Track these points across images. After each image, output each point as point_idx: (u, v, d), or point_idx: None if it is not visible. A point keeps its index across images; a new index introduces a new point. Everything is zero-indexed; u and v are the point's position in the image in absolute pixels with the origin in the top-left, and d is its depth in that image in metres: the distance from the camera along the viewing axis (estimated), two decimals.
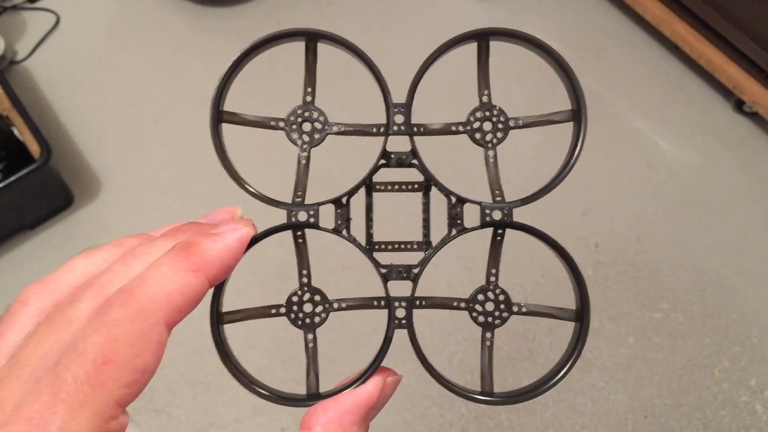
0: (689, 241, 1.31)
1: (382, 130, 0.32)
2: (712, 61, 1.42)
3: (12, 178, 1.21)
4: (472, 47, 0.34)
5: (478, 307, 0.32)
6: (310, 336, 0.32)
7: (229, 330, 0.32)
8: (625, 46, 1.58)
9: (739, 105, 1.44)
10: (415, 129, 0.32)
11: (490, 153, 0.33)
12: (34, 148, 1.26)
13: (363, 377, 0.30)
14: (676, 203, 1.36)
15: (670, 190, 1.37)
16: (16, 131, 1.31)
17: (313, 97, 0.33)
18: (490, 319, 0.32)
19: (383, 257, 0.33)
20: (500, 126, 0.33)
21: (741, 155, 1.42)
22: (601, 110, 1.47)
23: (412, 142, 0.33)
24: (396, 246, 0.34)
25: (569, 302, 0.33)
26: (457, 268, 1.26)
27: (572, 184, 1.38)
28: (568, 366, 0.31)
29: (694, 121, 1.46)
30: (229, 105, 0.33)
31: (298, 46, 0.33)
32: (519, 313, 0.32)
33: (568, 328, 0.32)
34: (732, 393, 1.16)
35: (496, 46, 0.34)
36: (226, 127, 0.33)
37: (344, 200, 0.33)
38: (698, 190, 1.37)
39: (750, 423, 1.13)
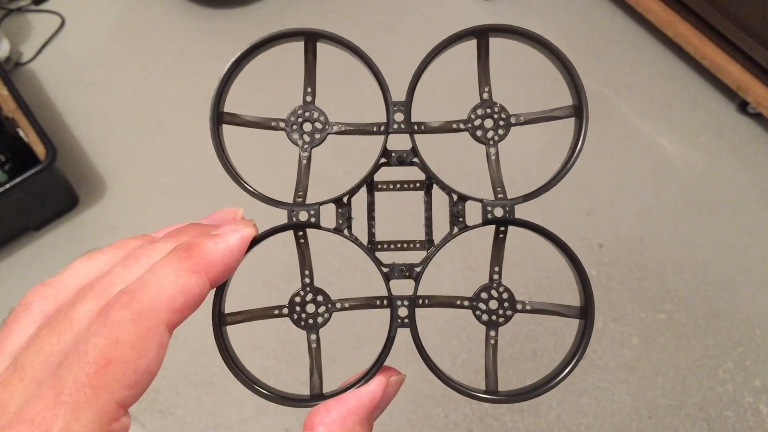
0: (693, 242, 1.31)
1: (382, 128, 0.32)
2: (715, 62, 1.42)
3: (17, 180, 1.21)
4: (472, 46, 0.34)
5: (482, 306, 0.32)
6: (313, 336, 0.32)
7: (233, 332, 0.32)
8: (629, 47, 1.58)
9: (742, 106, 1.44)
10: (416, 127, 0.32)
11: (492, 150, 0.33)
12: (39, 149, 1.27)
13: (366, 377, 0.30)
14: (680, 204, 1.35)
15: (674, 191, 1.37)
16: (21, 132, 1.31)
17: (314, 97, 0.33)
18: (494, 317, 0.32)
19: (385, 257, 0.33)
20: (501, 123, 0.33)
21: (745, 156, 1.41)
22: (605, 111, 1.47)
23: (413, 140, 0.33)
24: (398, 245, 0.34)
25: (574, 302, 0.33)
26: (460, 269, 1.26)
27: (576, 185, 1.38)
28: (572, 363, 0.31)
29: (698, 122, 1.46)
30: (230, 106, 0.33)
31: (298, 47, 0.34)
32: (523, 311, 0.32)
33: (572, 329, 0.32)
34: (736, 394, 1.15)
35: (496, 46, 0.34)
36: (227, 129, 0.33)
37: (345, 200, 0.33)
38: (702, 191, 1.37)
39: (754, 424, 1.13)
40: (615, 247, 1.30)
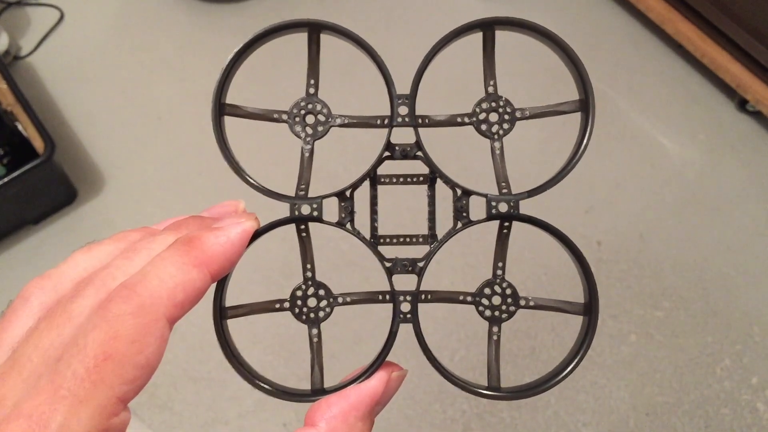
0: (692, 240, 1.31)
1: (386, 121, 0.32)
2: (715, 60, 1.42)
3: (16, 173, 1.21)
4: (476, 40, 0.33)
5: (485, 301, 0.32)
6: (315, 331, 0.31)
7: (233, 326, 0.31)
8: (629, 44, 1.57)
9: (742, 104, 1.44)
10: (420, 120, 0.32)
11: (497, 144, 0.32)
12: (37, 143, 1.26)
13: (368, 372, 0.30)
14: (679, 202, 1.35)
15: (673, 188, 1.37)
16: (20, 126, 1.31)
17: (317, 89, 0.33)
18: (496, 313, 0.32)
19: (388, 251, 0.32)
20: (506, 117, 0.32)
21: (744, 154, 1.41)
22: (605, 108, 1.47)
23: (417, 133, 0.32)
24: (401, 239, 0.33)
25: (573, 298, 0.33)
26: (461, 265, 1.26)
27: (576, 182, 1.38)
28: (576, 361, 0.31)
29: (697, 120, 1.46)
30: (232, 98, 0.32)
31: (301, 39, 0.33)
32: (526, 306, 0.32)
33: (571, 325, 0.32)
34: (733, 391, 1.15)
35: (501, 39, 0.34)
36: (229, 121, 0.32)
37: (348, 193, 0.32)
38: (701, 189, 1.37)
39: (751, 421, 1.13)
40: (614, 244, 1.30)
